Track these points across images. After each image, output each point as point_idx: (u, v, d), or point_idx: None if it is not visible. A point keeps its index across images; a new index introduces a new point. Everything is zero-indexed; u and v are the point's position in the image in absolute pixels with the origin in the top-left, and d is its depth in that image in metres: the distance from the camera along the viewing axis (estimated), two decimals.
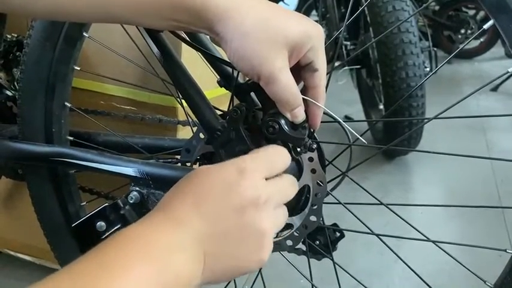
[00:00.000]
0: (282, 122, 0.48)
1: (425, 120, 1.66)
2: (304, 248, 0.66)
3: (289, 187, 0.47)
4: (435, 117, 0.58)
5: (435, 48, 2.01)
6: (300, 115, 0.48)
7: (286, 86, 0.45)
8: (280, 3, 3.42)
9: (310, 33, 0.45)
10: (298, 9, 3.58)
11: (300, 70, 0.48)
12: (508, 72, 0.51)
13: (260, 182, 0.42)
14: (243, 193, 0.40)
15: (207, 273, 0.39)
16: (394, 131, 1.72)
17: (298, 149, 0.50)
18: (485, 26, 0.49)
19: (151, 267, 0.34)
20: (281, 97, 0.46)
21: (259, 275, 0.72)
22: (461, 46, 0.57)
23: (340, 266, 0.68)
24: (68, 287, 0.31)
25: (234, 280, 0.73)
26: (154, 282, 0.34)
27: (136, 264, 0.34)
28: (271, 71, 0.44)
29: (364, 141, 0.53)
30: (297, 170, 0.56)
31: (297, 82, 0.48)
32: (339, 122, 0.65)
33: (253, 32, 0.43)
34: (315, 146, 0.51)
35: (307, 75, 0.48)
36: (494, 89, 2.65)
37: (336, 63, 2.06)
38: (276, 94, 0.46)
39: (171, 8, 0.44)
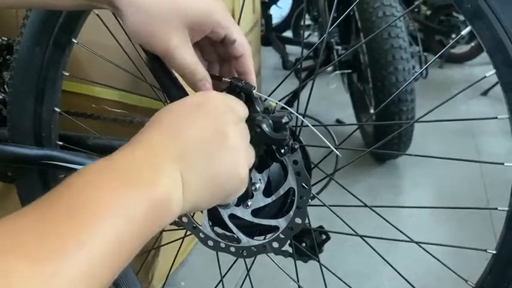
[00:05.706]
0: (264, 125, 0.49)
1: (412, 123, 1.67)
2: (290, 250, 0.67)
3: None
4: (417, 121, 0.59)
5: (426, 53, 2.03)
6: (203, 88, 0.50)
7: (181, 62, 0.47)
8: (274, 6, 3.44)
9: (211, 10, 0.47)
10: (291, 12, 3.61)
11: (224, 48, 0.51)
12: (485, 76, 0.52)
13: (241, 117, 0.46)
14: (224, 118, 0.43)
15: (188, 195, 0.38)
16: (384, 135, 1.73)
17: (282, 150, 0.51)
18: (463, 32, 0.51)
19: (132, 200, 0.33)
20: (179, 72, 0.49)
21: (248, 277, 0.73)
22: (445, 47, 0.60)
23: (327, 268, 0.69)
24: (37, 227, 0.28)
25: (222, 282, 0.74)
26: (139, 211, 0.33)
27: (120, 197, 0.32)
28: (165, 49, 0.46)
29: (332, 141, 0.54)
30: (281, 172, 0.57)
31: (225, 61, 0.52)
32: (325, 126, 0.66)
33: (146, 9, 0.45)
34: (297, 146, 0.52)
35: (229, 49, 0.50)
36: (484, 94, 2.67)
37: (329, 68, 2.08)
38: (174, 69, 0.49)
39: None
